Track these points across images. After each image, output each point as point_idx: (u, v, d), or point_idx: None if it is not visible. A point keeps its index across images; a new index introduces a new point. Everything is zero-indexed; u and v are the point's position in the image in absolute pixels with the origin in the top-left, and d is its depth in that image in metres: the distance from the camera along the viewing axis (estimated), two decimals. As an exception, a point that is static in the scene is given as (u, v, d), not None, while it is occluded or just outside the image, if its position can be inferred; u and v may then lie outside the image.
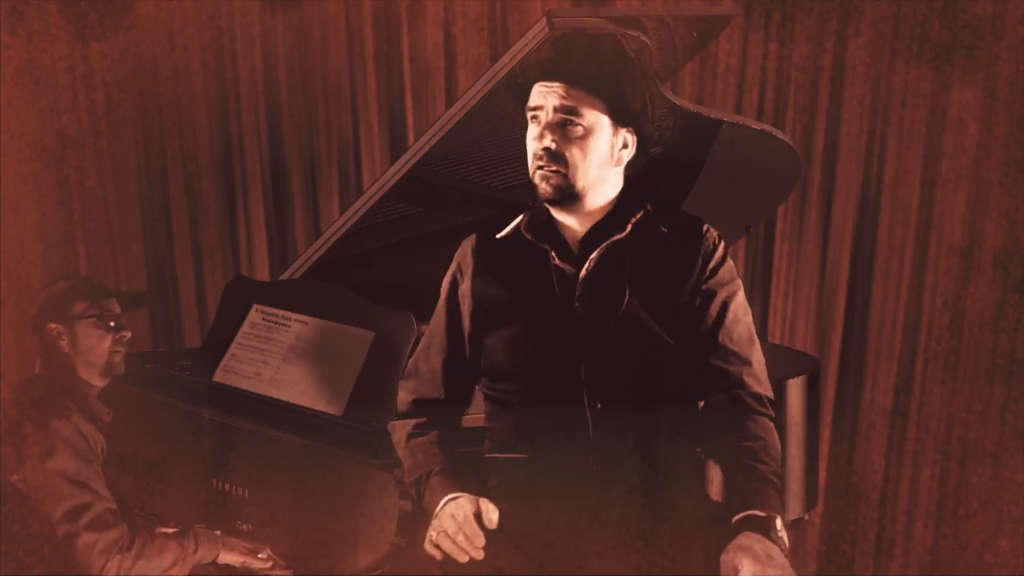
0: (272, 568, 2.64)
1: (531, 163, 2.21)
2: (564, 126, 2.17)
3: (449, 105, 4.10)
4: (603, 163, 2.20)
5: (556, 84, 2.17)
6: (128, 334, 2.74)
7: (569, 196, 2.19)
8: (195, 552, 2.61)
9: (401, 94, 4.23)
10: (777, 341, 4.10)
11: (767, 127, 3.32)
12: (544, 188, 2.18)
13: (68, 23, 4.01)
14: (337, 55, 4.21)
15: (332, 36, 4.20)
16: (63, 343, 2.69)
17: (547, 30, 2.55)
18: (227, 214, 4.28)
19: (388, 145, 4.27)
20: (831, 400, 4.18)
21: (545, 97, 2.18)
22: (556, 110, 2.17)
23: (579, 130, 2.17)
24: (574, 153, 2.17)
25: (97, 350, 2.69)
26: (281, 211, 4.33)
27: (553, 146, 2.16)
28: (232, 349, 2.95)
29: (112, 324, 2.71)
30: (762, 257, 4.24)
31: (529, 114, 2.21)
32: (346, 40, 4.21)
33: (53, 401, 2.60)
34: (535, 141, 2.19)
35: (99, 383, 2.71)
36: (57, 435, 2.53)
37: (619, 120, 2.20)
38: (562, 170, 2.17)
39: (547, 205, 2.23)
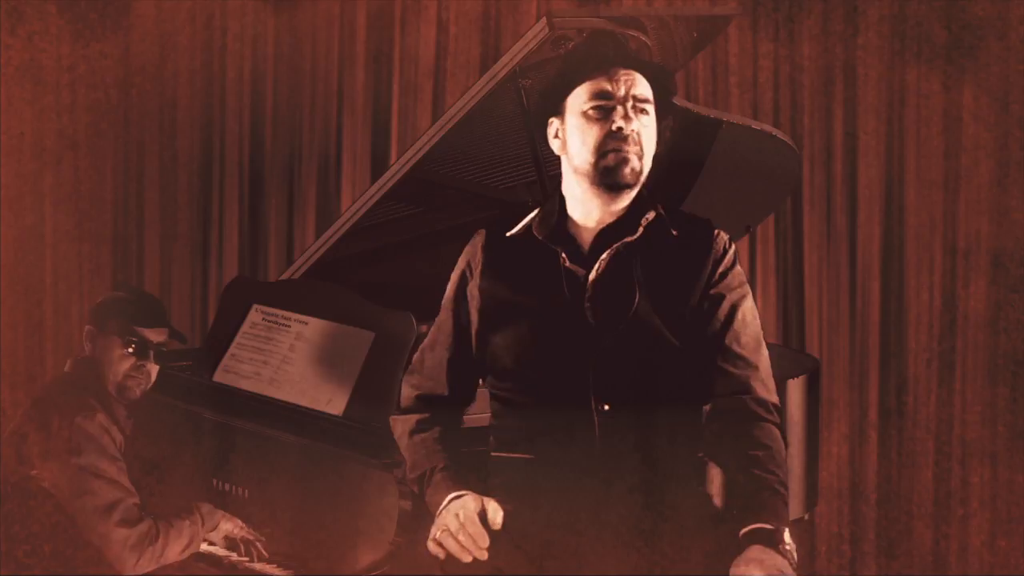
0: (260, 552, 2.66)
1: (603, 144, 2.18)
2: (638, 114, 2.20)
3: (437, 109, 4.12)
4: (652, 156, 2.25)
5: (632, 73, 2.21)
6: (150, 365, 2.72)
7: (638, 183, 2.22)
8: (203, 526, 2.64)
9: (388, 96, 4.23)
10: (772, 341, 4.10)
11: (767, 127, 3.32)
12: (625, 173, 2.18)
13: (68, 23, 4.01)
14: (328, 56, 4.22)
15: (325, 36, 4.20)
16: (88, 346, 2.72)
17: (547, 31, 2.55)
18: (229, 213, 4.29)
19: (370, 148, 4.26)
20: (832, 400, 4.18)
21: (623, 83, 2.20)
22: (636, 97, 2.20)
23: (650, 119, 2.22)
24: (646, 140, 2.21)
25: (113, 366, 2.69)
26: (288, 211, 4.33)
27: (636, 129, 2.19)
28: (232, 349, 2.95)
29: (132, 350, 2.70)
30: (761, 258, 4.24)
31: (593, 103, 2.20)
32: (338, 40, 4.21)
33: (77, 399, 2.61)
34: (620, 120, 2.18)
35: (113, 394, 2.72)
36: (83, 432, 2.55)
37: (661, 116, 2.25)
38: (640, 153, 2.19)
39: (611, 191, 2.21)
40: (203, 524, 2.64)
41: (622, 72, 2.21)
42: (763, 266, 4.22)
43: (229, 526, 2.67)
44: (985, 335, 4.02)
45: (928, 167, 4.04)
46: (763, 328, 2.30)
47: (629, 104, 2.19)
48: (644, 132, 2.20)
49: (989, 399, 4.04)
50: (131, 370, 2.69)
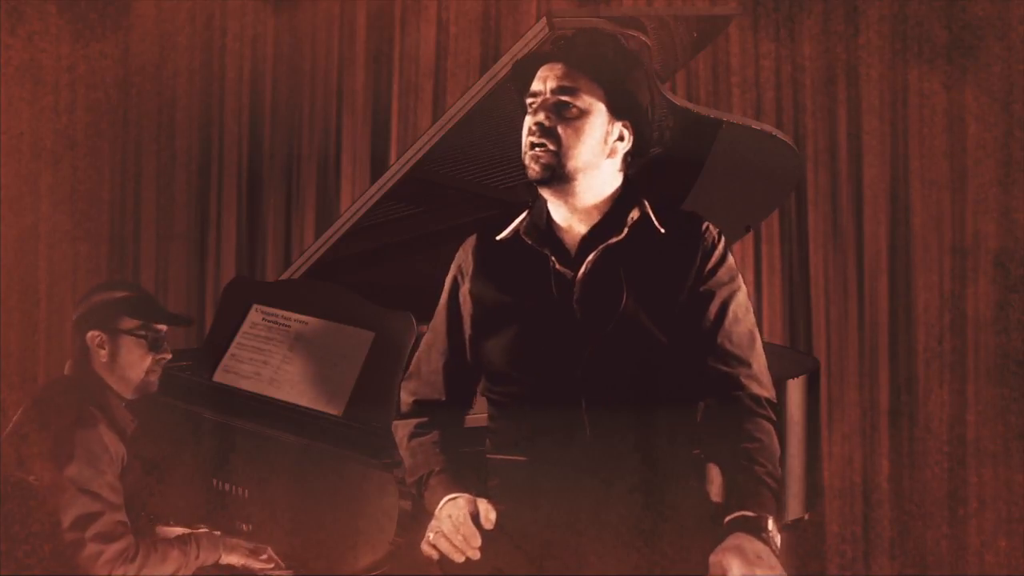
0: (273, 569, 2.64)
1: (524, 144, 2.19)
2: (559, 108, 2.16)
3: (437, 109, 4.12)
4: (596, 150, 2.18)
5: (557, 65, 2.18)
6: (169, 356, 2.70)
7: (558, 177, 2.16)
8: (197, 558, 2.61)
9: (388, 96, 4.23)
10: (776, 341, 4.11)
11: (767, 127, 3.32)
12: (533, 168, 2.16)
13: (68, 23, 4.02)
14: (328, 56, 4.22)
15: (325, 36, 4.20)
16: (102, 352, 2.66)
17: (547, 31, 2.55)
18: (228, 213, 4.29)
19: (370, 148, 4.26)
20: (838, 400, 4.18)
21: (544, 81, 2.18)
22: (553, 91, 2.17)
23: (574, 111, 2.16)
24: (567, 133, 2.15)
25: (136, 367, 2.66)
26: (287, 211, 4.33)
27: (546, 122, 2.15)
28: (232, 349, 2.95)
29: (155, 343, 2.68)
30: (766, 259, 4.25)
31: (528, 100, 2.20)
32: (338, 40, 4.21)
33: (81, 408, 2.57)
34: (528, 117, 2.18)
35: (128, 396, 2.68)
36: (79, 443, 2.52)
37: (616, 111, 2.19)
38: (552, 147, 2.15)
39: (537, 187, 2.20)
40: (198, 555, 2.60)
41: (545, 67, 2.19)
42: (769, 267, 4.22)
43: (232, 559, 2.64)
44: (986, 335, 4.02)
45: (931, 167, 4.04)
46: (769, 329, 2.30)
47: (548, 99, 2.17)
48: (565, 125, 2.16)
49: (989, 399, 4.04)
50: (152, 365, 2.68)
